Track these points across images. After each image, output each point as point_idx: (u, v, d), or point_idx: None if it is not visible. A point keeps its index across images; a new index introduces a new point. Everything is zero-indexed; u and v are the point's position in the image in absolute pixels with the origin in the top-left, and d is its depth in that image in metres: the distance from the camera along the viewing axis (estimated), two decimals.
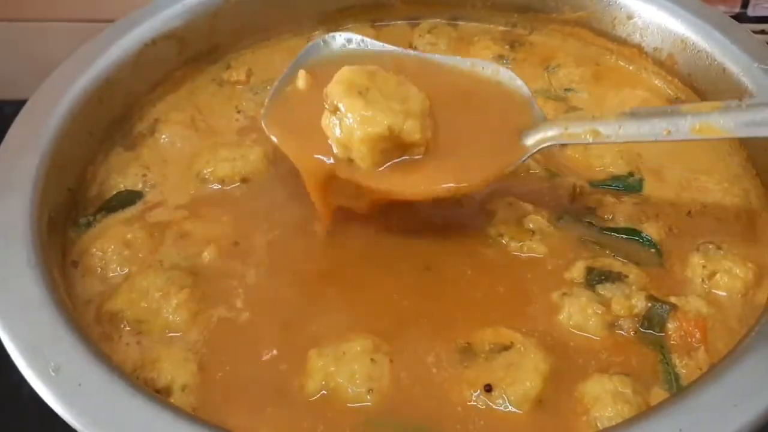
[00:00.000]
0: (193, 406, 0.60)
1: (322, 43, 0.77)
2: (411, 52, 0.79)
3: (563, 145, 0.80)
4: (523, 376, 0.60)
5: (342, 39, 0.77)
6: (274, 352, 0.64)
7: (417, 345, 0.64)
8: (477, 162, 0.69)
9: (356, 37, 0.78)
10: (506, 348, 0.63)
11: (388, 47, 0.78)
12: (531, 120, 0.72)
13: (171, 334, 0.65)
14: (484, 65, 0.76)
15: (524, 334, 0.64)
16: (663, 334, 0.64)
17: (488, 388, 0.60)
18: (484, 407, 0.60)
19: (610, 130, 0.68)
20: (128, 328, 0.65)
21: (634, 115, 0.67)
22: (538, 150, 0.70)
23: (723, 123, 0.63)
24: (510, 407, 0.60)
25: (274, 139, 0.72)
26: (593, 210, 0.74)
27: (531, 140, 0.71)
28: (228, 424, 0.58)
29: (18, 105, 0.76)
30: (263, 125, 0.72)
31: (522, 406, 0.60)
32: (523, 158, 0.70)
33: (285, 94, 0.74)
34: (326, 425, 0.59)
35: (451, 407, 0.60)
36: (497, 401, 0.60)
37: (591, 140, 0.69)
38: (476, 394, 0.60)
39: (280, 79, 0.75)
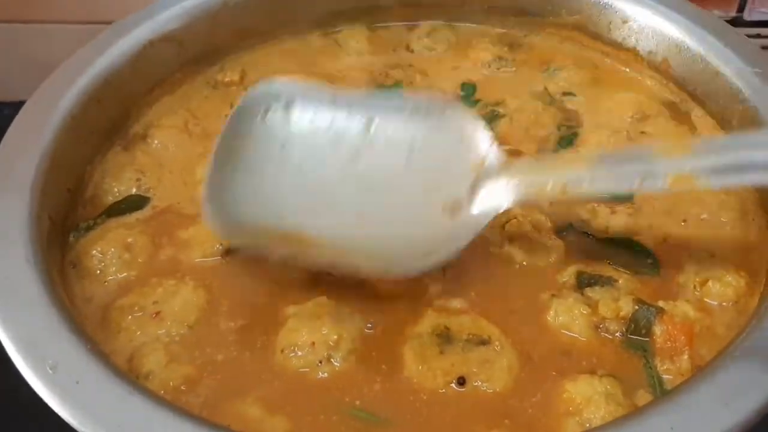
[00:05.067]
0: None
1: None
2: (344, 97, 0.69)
3: (555, 152, 0.80)
4: (496, 375, 0.62)
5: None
6: None
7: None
8: (408, 253, 0.63)
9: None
10: (484, 342, 0.63)
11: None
12: (481, 172, 0.63)
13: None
14: (429, 104, 0.66)
15: (503, 331, 0.64)
16: (648, 338, 0.64)
17: (461, 381, 0.61)
18: (453, 396, 0.61)
19: (579, 181, 0.59)
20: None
21: (603, 161, 0.60)
22: (491, 220, 0.61)
23: (697, 170, 0.57)
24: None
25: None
26: (587, 222, 0.74)
27: (488, 202, 0.62)
28: None
29: (16, 106, 0.76)
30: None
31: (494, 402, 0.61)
32: (485, 226, 0.61)
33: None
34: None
35: (419, 392, 0.61)
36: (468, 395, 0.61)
37: (559, 195, 0.60)
38: (450, 383, 0.61)
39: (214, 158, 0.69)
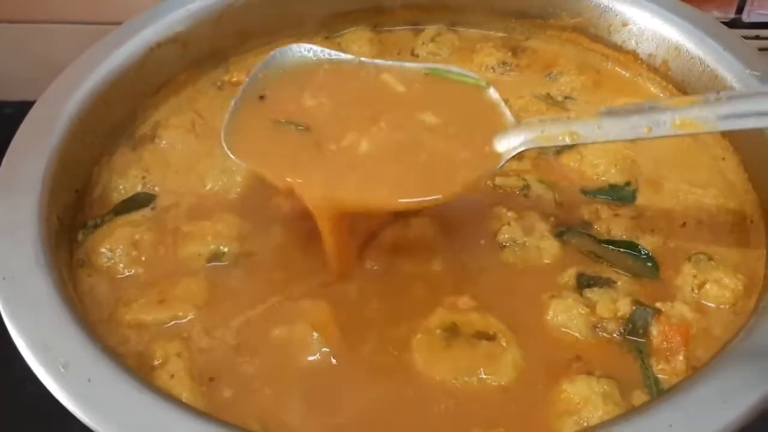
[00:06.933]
0: None
1: (279, 56, 0.76)
2: (369, 61, 0.77)
3: (558, 153, 0.82)
4: (501, 369, 0.63)
5: (301, 50, 0.77)
6: None
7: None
8: (448, 174, 0.66)
9: (315, 48, 0.77)
10: (489, 338, 0.65)
11: (345, 56, 0.77)
12: (503, 124, 0.69)
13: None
14: (448, 69, 0.73)
15: (510, 327, 0.65)
16: (645, 339, 0.65)
17: None
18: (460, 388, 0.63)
19: (588, 131, 0.64)
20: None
21: (611, 113, 0.64)
22: (513, 156, 0.67)
23: (703, 116, 0.61)
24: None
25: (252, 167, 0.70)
26: (589, 224, 0.75)
27: (504, 146, 0.68)
28: None
29: (19, 106, 0.77)
30: (228, 152, 0.70)
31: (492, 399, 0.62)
32: (499, 166, 0.67)
33: (248, 112, 0.72)
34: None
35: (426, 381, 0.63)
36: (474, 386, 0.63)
37: (569, 141, 0.65)
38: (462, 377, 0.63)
39: (239, 97, 0.74)
